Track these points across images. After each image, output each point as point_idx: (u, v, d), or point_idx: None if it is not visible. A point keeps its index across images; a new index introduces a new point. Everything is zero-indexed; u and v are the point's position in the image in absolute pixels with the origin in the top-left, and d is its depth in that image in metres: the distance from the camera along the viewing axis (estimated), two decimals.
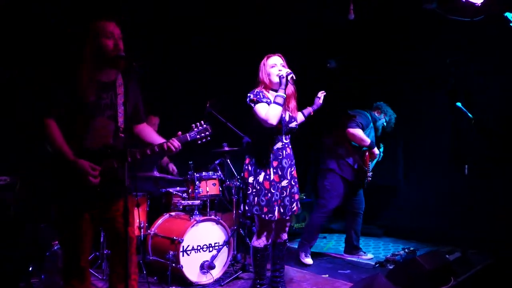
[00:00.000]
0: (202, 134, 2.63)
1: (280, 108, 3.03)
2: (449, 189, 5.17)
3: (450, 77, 5.22)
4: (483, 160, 4.76)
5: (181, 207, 4.18)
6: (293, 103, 3.30)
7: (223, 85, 5.42)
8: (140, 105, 2.65)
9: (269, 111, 3.03)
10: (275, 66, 3.19)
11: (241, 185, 3.28)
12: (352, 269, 4.24)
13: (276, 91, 3.12)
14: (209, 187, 4.20)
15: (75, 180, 2.34)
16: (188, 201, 4.09)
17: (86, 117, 2.38)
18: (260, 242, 3.24)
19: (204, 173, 4.20)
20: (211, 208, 4.33)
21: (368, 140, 4.42)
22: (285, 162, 3.20)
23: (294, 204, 3.28)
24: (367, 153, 4.49)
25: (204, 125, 2.65)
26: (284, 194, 3.20)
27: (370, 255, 4.68)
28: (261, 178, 3.15)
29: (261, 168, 3.16)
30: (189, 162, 4.21)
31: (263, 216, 3.13)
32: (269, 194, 3.12)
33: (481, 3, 4.12)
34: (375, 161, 4.66)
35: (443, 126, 5.42)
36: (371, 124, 4.60)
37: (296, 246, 4.63)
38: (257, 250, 3.26)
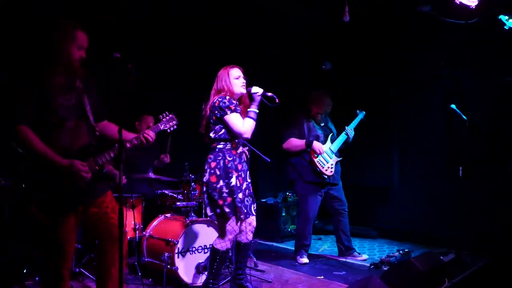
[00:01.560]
0: (170, 123, 2.80)
1: (254, 123, 3.25)
2: (443, 190, 5.19)
3: (444, 79, 5.24)
4: (477, 161, 4.78)
5: (176, 208, 4.17)
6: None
7: None
8: (100, 102, 2.68)
9: (246, 126, 3.22)
10: (239, 78, 3.35)
11: (205, 190, 3.30)
12: (347, 271, 4.25)
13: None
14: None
15: (59, 181, 2.35)
16: (184, 203, 4.08)
17: (59, 119, 2.40)
18: (223, 245, 3.30)
19: (199, 175, 4.19)
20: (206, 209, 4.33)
21: (302, 143, 4.51)
22: (244, 166, 3.36)
23: (255, 204, 3.39)
24: (311, 153, 4.52)
25: (170, 115, 2.81)
26: (247, 194, 3.31)
27: (364, 256, 4.69)
28: (233, 180, 3.22)
29: (231, 171, 3.23)
30: (185, 164, 4.20)
31: (241, 216, 3.23)
32: (241, 195, 3.24)
33: (476, 5, 4.15)
34: (337, 147, 4.63)
35: (437, 127, 5.44)
36: (307, 122, 4.60)
37: (291, 247, 4.65)
38: (217, 252, 3.29)
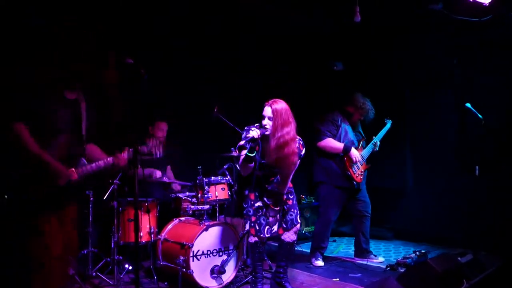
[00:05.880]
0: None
1: (249, 166, 3.37)
2: (458, 190, 5.10)
3: (457, 78, 5.17)
4: (493, 161, 4.70)
5: (190, 212, 4.20)
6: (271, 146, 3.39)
7: (232, 90, 5.46)
8: (91, 123, 2.79)
9: (240, 164, 3.42)
10: (264, 119, 3.40)
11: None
12: (363, 273, 4.22)
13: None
14: (218, 192, 4.21)
15: (45, 181, 2.44)
16: (198, 206, 4.09)
17: (54, 132, 2.49)
18: (250, 238, 3.57)
19: (213, 178, 4.21)
20: (220, 212, 4.34)
21: (340, 146, 4.40)
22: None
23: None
24: (345, 158, 4.45)
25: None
26: (260, 213, 3.50)
27: (381, 258, 4.64)
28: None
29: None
30: (198, 167, 4.22)
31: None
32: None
33: (489, 3, 4.09)
34: (367, 154, 4.60)
35: (450, 127, 5.37)
36: (343, 124, 4.53)
37: (305, 250, 4.63)
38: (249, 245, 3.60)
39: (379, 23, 5.27)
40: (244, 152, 3.28)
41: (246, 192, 3.55)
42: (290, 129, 3.37)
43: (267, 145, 3.39)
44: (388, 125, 4.80)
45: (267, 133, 3.35)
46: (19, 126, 2.40)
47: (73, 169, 2.60)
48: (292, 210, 3.59)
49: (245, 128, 3.46)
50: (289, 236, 3.60)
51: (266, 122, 3.36)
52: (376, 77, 6.01)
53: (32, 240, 2.49)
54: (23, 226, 2.46)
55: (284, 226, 3.56)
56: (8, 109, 2.44)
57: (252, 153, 3.26)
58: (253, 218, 3.49)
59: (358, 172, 4.51)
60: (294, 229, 3.61)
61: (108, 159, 2.75)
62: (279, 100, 3.42)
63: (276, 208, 3.51)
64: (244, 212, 3.55)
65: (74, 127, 2.60)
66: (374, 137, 4.69)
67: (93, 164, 2.68)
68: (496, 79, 4.92)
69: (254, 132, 3.25)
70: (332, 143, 4.43)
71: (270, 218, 3.50)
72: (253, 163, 3.35)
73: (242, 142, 3.31)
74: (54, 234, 2.51)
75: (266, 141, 3.40)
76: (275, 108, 3.35)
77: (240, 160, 3.38)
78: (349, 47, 6.10)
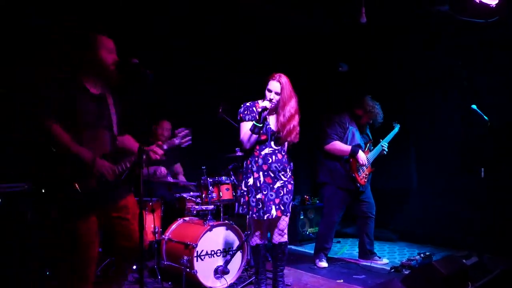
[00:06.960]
0: (185, 139, 2.85)
1: (254, 136, 3.35)
2: (464, 192, 5.08)
3: (462, 79, 5.17)
4: (498, 162, 4.69)
5: (194, 212, 4.18)
6: (283, 113, 3.42)
7: (232, 90, 5.44)
8: (122, 117, 2.76)
9: (244, 137, 3.40)
10: (270, 93, 3.40)
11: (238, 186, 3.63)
12: (367, 274, 4.20)
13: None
14: (223, 192, 4.19)
15: (80, 181, 2.40)
16: (202, 206, 4.08)
17: (83, 124, 2.45)
18: (252, 241, 3.54)
19: (217, 178, 4.20)
20: (224, 213, 4.32)
21: (347, 149, 4.40)
22: (275, 166, 3.43)
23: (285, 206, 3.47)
24: (351, 161, 4.44)
25: (186, 131, 2.86)
26: (282, 194, 3.42)
27: (385, 260, 4.63)
28: (251, 181, 3.41)
29: (251, 171, 3.43)
30: (202, 167, 4.21)
31: (253, 215, 3.38)
32: (260, 195, 3.37)
33: (496, 4, 4.07)
34: (373, 157, 4.59)
35: (455, 128, 5.36)
36: (351, 127, 4.52)
37: (309, 251, 4.62)
38: (251, 248, 3.58)
39: (379, 23, 5.25)
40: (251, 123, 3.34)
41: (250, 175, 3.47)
42: (295, 102, 3.46)
43: (272, 117, 3.48)
44: (396, 129, 4.77)
45: (273, 106, 3.40)
46: (49, 124, 2.35)
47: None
48: (290, 195, 3.48)
49: (243, 104, 3.53)
50: (280, 239, 3.53)
51: (273, 96, 3.39)
52: (377, 77, 6.00)
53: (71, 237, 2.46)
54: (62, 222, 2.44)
55: (282, 208, 3.43)
56: (34, 107, 2.41)
57: (260, 124, 3.30)
58: (262, 196, 3.37)
59: (362, 174, 4.50)
60: (283, 224, 3.50)
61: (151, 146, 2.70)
62: (283, 74, 3.48)
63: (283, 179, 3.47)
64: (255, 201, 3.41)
65: (105, 121, 2.56)
66: (381, 140, 4.67)
67: (127, 161, 2.62)
68: (496, 79, 4.92)
69: (267, 103, 3.33)
70: (338, 146, 4.43)
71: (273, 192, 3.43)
72: (257, 135, 3.37)
73: (259, 109, 3.33)
74: (92, 236, 2.49)
75: (271, 114, 3.47)
76: (283, 82, 3.40)
77: (243, 134, 3.41)
78: (349, 47, 6.09)
